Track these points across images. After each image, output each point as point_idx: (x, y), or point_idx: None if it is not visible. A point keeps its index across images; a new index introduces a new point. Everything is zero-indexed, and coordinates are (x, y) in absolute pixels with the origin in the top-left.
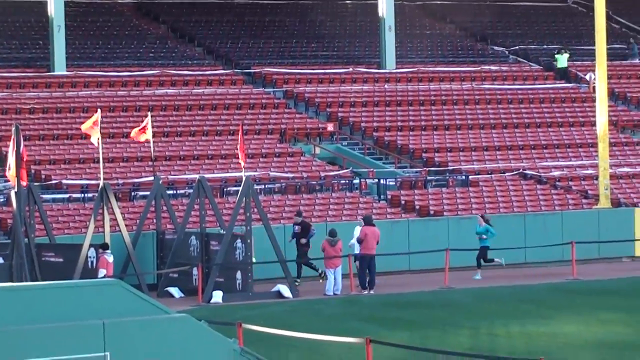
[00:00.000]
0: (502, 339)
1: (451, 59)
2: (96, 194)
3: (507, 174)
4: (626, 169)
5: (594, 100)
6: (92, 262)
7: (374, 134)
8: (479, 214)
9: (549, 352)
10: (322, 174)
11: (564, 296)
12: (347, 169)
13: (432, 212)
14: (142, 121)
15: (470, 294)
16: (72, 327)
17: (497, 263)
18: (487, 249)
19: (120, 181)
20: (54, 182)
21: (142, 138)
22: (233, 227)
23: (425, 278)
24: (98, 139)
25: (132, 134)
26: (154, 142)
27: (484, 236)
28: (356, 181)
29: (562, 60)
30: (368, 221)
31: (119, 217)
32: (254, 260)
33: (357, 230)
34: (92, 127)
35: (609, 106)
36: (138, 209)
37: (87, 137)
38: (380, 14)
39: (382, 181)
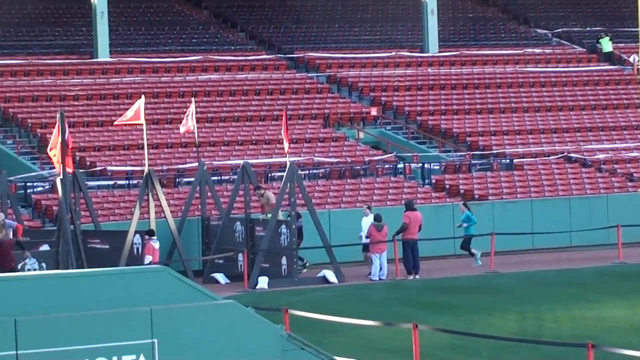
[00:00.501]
0: (549, 324)
1: (494, 42)
2: (141, 181)
3: (551, 157)
4: None
5: (638, 82)
6: (137, 249)
7: (418, 118)
8: (460, 202)
9: (596, 336)
10: (366, 159)
11: (610, 280)
12: (391, 153)
13: (476, 196)
14: (186, 107)
15: (516, 278)
16: (119, 314)
17: (473, 254)
18: (471, 237)
19: (165, 167)
20: (98, 168)
21: (182, 130)
22: (278, 213)
23: (470, 262)
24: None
25: (181, 130)
26: (197, 128)
27: (465, 224)
28: (400, 166)
29: (607, 45)
30: (410, 206)
31: (164, 203)
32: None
33: (365, 222)
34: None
35: None
36: (183, 195)
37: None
38: None
39: (426, 165)
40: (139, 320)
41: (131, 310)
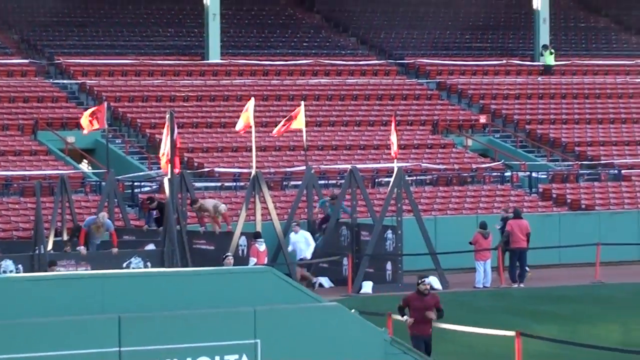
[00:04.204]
0: None
1: (606, 52)
2: (248, 183)
3: None
4: None
5: None
6: (243, 251)
7: (527, 126)
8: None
9: None
10: (474, 166)
11: None
12: (498, 161)
13: (583, 206)
14: (295, 110)
15: (622, 289)
16: (224, 314)
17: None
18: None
19: (272, 170)
20: (206, 169)
21: (294, 126)
22: (384, 218)
23: (575, 272)
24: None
25: (278, 129)
26: (306, 131)
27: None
28: (508, 174)
29: (549, 58)
30: (516, 214)
31: (271, 206)
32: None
33: (294, 239)
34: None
35: None
36: (289, 198)
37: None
38: (534, 6)
39: (533, 174)
40: (243, 320)
41: (235, 310)
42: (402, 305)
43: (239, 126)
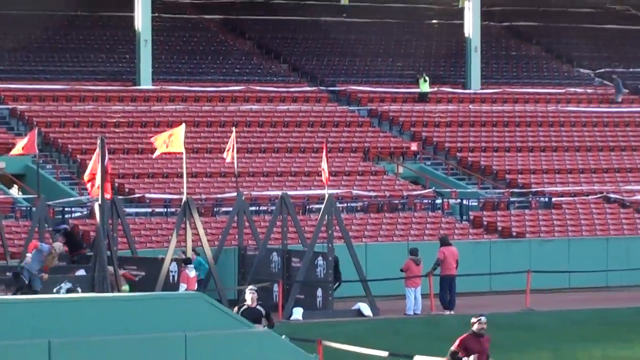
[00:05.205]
0: None
1: (537, 81)
2: (179, 209)
3: (590, 197)
4: None
5: None
6: (173, 277)
7: (458, 154)
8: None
9: None
10: (405, 193)
11: None
12: (429, 188)
13: (514, 234)
14: (227, 136)
15: (552, 316)
16: (155, 339)
17: None
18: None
19: (203, 196)
20: (137, 195)
21: (228, 158)
22: (315, 245)
23: (506, 299)
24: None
25: (226, 156)
26: (237, 158)
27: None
28: (439, 201)
29: (424, 86)
30: (445, 242)
31: (201, 232)
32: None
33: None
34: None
35: None
36: (220, 224)
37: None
38: (466, 34)
39: (464, 201)
40: (174, 345)
41: (166, 335)
42: (455, 350)
43: (158, 150)
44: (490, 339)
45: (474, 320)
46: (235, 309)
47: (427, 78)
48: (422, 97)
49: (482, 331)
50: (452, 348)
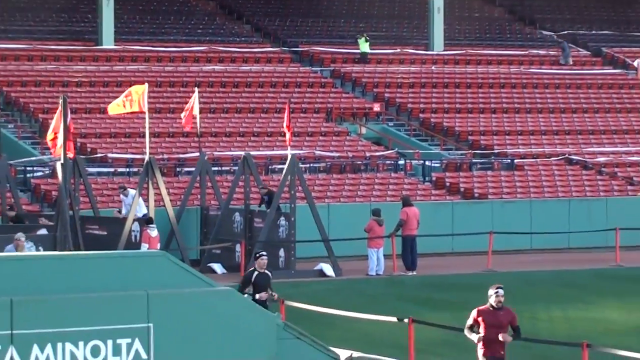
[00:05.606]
0: (544, 323)
1: (499, 42)
2: (141, 169)
3: (552, 158)
4: None
5: None
6: (135, 236)
7: (421, 115)
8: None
9: (591, 337)
10: (368, 154)
11: (607, 282)
12: (392, 149)
13: (476, 195)
14: (188, 96)
15: (513, 277)
16: (117, 297)
17: None
18: None
19: (166, 156)
20: (99, 155)
21: (184, 120)
22: (277, 205)
23: (468, 260)
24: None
25: (183, 120)
26: (200, 118)
27: None
28: (401, 162)
29: (364, 45)
30: (407, 202)
31: (164, 192)
32: None
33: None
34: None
35: None
36: (183, 184)
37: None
38: None
39: (427, 163)
40: (136, 304)
41: (128, 294)
42: (472, 324)
43: (115, 112)
44: (512, 314)
45: (490, 292)
46: (248, 273)
47: (367, 38)
48: (363, 58)
49: (499, 304)
50: (468, 322)
